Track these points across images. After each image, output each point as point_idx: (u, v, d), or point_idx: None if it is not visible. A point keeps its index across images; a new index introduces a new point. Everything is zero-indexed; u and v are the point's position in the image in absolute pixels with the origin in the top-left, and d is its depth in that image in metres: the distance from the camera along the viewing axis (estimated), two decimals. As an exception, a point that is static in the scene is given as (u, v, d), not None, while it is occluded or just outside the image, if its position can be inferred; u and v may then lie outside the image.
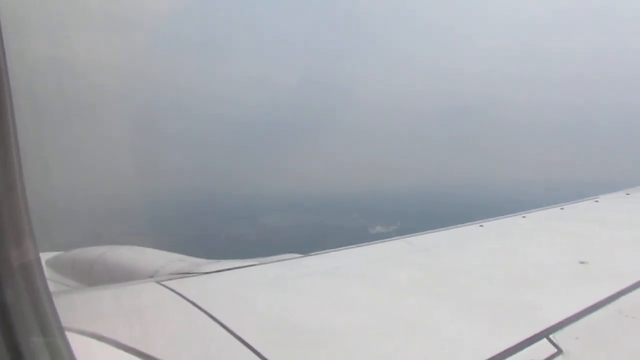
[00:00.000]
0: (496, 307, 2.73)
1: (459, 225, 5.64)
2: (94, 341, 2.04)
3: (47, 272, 4.81)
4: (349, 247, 4.55)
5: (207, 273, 3.44)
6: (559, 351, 2.11)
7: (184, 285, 3.09)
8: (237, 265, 3.63)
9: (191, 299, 2.74)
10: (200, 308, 2.58)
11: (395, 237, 4.94)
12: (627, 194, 7.67)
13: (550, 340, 2.20)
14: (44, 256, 5.21)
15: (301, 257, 4.09)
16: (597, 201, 7.21)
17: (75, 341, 2.03)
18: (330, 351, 2.17)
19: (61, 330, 1.29)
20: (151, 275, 3.83)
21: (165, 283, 3.11)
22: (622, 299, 2.74)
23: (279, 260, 3.95)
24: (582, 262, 3.75)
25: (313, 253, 4.20)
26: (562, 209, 6.65)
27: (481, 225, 5.49)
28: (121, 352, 1.98)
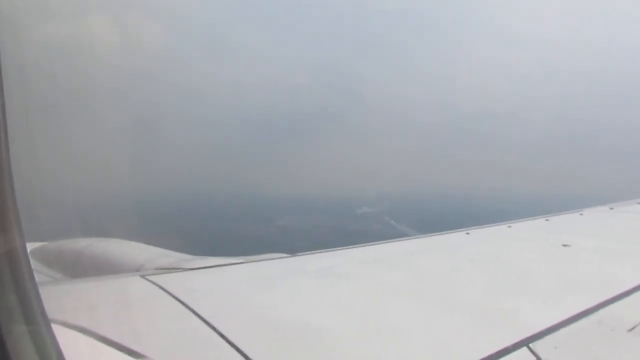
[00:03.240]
0: (478, 313, 2.76)
1: (446, 231, 5.69)
2: (76, 333, 2.03)
3: (32, 263, 4.74)
4: (335, 248, 4.57)
5: (192, 269, 3.44)
6: None
7: (168, 281, 3.08)
8: (223, 263, 3.63)
9: (175, 294, 2.73)
10: (184, 304, 2.58)
11: (382, 241, 4.97)
12: (611, 209, 7.78)
13: (530, 349, 2.22)
14: (28, 246, 5.15)
15: (288, 257, 4.09)
16: (581, 214, 7.30)
17: (58, 333, 2.02)
18: (311, 350, 2.18)
19: (46, 319, 1.29)
20: (136, 269, 3.81)
21: (150, 277, 3.10)
22: (602, 310, 2.77)
23: (265, 259, 3.95)
24: (563, 273, 3.80)
25: (300, 253, 4.21)
26: (547, 220, 6.72)
27: (467, 233, 5.53)
28: (103, 346, 1.97)
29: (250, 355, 2.00)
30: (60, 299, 2.68)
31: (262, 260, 3.91)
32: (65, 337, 2.02)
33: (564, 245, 5.07)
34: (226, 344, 2.10)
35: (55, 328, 2.04)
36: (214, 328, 2.26)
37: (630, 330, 2.51)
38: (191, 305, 2.54)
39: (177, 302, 2.62)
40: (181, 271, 3.41)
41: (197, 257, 3.91)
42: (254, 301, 2.86)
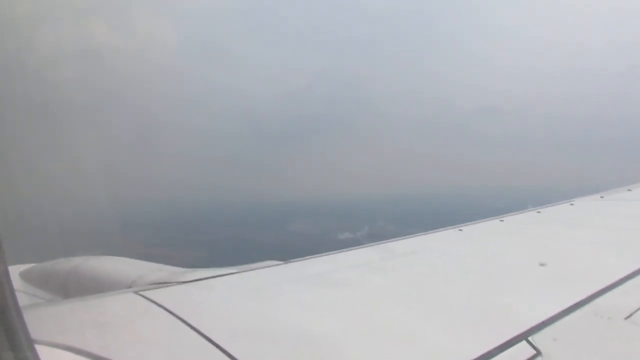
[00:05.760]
0: (476, 310, 2.76)
1: (439, 229, 5.70)
2: (70, 355, 2.00)
3: (21, 284, 4.70)
4: (328, 253, 4.55)
5: (185, 282, 3.41)
6: (538, 353, 2.14)
7: (162, 295, 3.05)
8: (216, 274, 3.60)
9: (170, 308, 2.70)
10: (179, 317, 2.56)
11: (375, 243, 4.96)
12: (601, 197, 7.86)
13: (529, 342, 2.24)
14: (18, 268, 5.10)
15: (281, 264, 4.07)
16: (572, 204, 7.37)
17: (51, 355, 1.99)
18: (308, 358, 2.16)
19: (30, 343, 1.26)
20: (129, 286, 3.76)
21: (143, 293, 3.07)
22: (598, 300, 2.80)
23: (258, 268, 3.93)
24: (557, 264, 3.82)
25: (293, 260, 4.19)
26: (538, 212, 6.77)
27: (460, 230, 5.56)
28: None
29: None
30: (52, 320, 2.64)
31: (255, 269, 3.88)
32: (53, 358, 1.99)
33: (556, 236, 5.11)
34: (224, 356, 2.09)
35: (49, 350, 2.01)
36: (210, 340, 2.24)
37: (627, 318, 2.53)
38: (186, 319, 2.52)
39: (171, 316, 2.60)
40: (174, 285, 3.38)
41: (190, 269, 3.88)
42: (251, 312, 2.85)
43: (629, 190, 8.43)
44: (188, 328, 2.41)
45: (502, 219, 6.23)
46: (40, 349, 1.95)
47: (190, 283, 3.40)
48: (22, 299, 4.46)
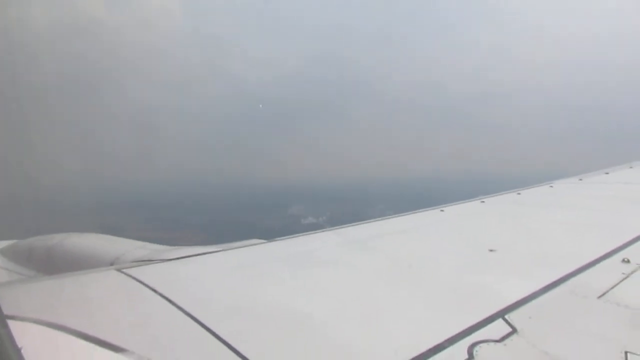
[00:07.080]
0: (454, 289, 2.83)
1: (422, 210, 5.77)
2: (49, 330, 2.00)
3: (1, 261, 4.64)
4: (311, 232, 4.59)
5: (168, 260, 3.41)
6: (514, 330, 2.21)
7: (144, 272, 3.06)
8: (199, 252, 3.60)
9: (152, 285, 2.71)
10: (161, 295, 2.57)
11: (358, 222, 5.00)
12: (580, 180, 8.02)
13: (506, 320, 2.30)
14: None
15: (265, 242, 4.08)
16: (551, 186, 7.51)
17: (29, 331, 1.99)
18: (291, 335, 2.19)
19: (3, 320, 1.25)
20: (112, 263, 3.75)
21: (125, 270, 3.07)
22: (574, 279, 2.89)
23: (242, 246, 3.93)
24: (535, 244, 3.90)
25: (277, 238, 4.20)
26: (519, 194, 6.89)
27: (442, 210, 5.63)
28: (79, 340, 1.95)
29: (230, 342, 2.01)
30: (31, 297, 2.63)
31: (238, 248, 3.89)
32: (38, 335, 1.99)
33: (535, 217, 5.21)
34: (206, 332, 2.11)
35: (28, 326, 2.01)
36: (192, 317, 2.26)
37: (600, 296, 2.61)
38: (168, 296, 2.53)
39: (153, 294, 2.61)
40: (157, 262, 3.38)
41: (172, 247, 3.88)
42: (233, 289, 2.86)
43: (607, 173, 8.62)
44: (170, 305, 2.43)
45: (482, 200, 6.32)
46: (17, 325, 1.95)
47: (173, 261, 3.40)
48: (2, 276, 4.42)
